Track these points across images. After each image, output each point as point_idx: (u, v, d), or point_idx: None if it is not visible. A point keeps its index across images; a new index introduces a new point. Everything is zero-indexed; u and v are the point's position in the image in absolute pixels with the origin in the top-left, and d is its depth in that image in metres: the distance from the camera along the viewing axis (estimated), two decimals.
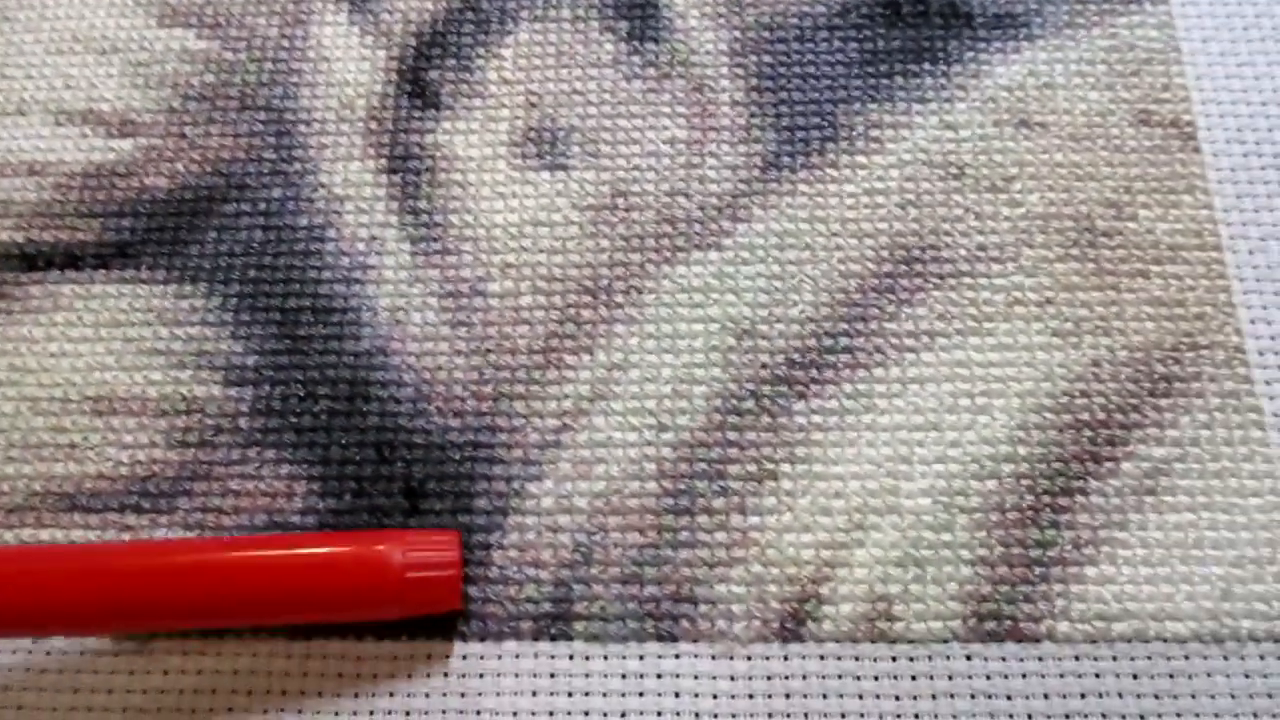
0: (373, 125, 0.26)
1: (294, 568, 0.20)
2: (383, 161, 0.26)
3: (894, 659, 0.21)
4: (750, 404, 0.23)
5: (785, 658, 0.21)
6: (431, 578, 0.20)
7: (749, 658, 0.21)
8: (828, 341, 0.24)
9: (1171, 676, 0.21)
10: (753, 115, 0.26)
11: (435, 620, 0.21)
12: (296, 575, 0.20)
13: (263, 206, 0.26)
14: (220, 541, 0.21)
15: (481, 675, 0.21)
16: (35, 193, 0.26)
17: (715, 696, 0.21)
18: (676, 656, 0.21)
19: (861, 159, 0.26)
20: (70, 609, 0.19)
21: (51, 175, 0.26)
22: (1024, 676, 0.21)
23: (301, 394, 0.24)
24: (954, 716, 0.21)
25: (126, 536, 0.22)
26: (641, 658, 0.21)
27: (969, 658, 0.21)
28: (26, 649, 0.22)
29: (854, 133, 0.26)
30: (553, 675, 0.21)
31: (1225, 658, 0.21)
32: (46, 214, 0.26)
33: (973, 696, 0.21)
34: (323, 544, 0.20)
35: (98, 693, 0.21)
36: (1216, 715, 0.20)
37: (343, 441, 0.23)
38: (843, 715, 0.21)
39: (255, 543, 0.21)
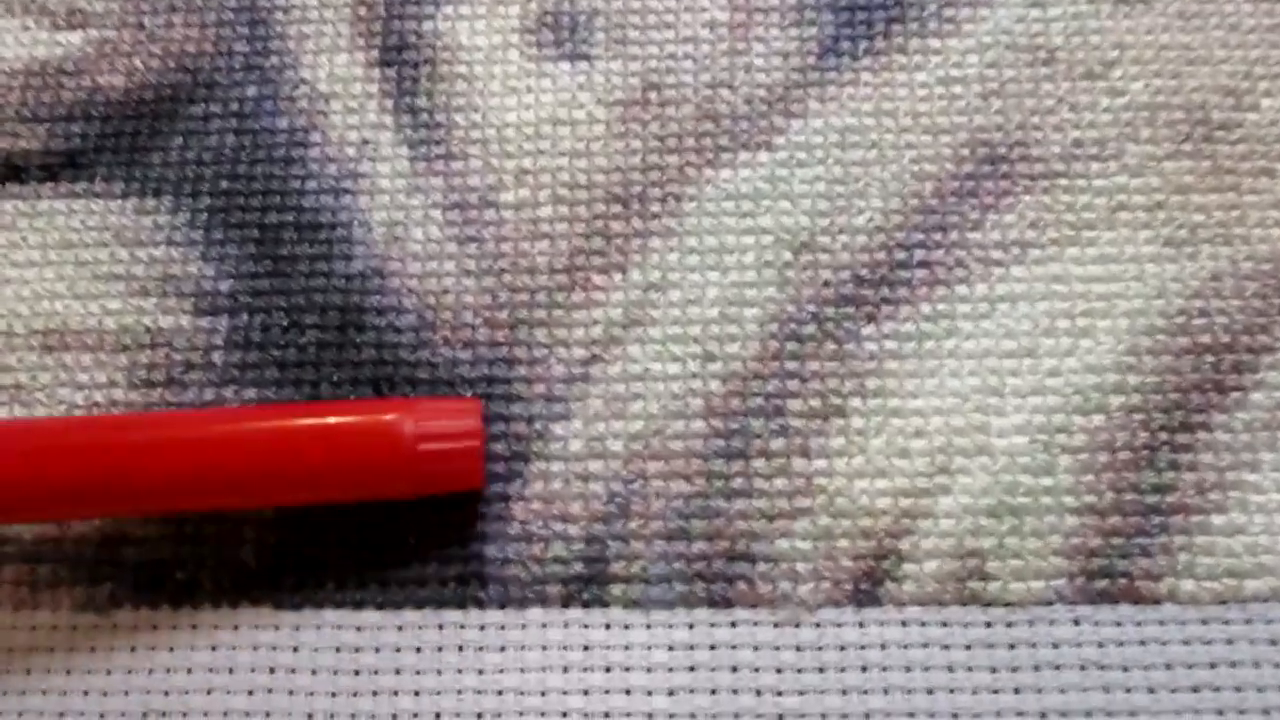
0: (362, 11, 0.23)
1: (289, 440, 0.18)
2: (374, 53, 0.22)
3: (988, 625, 0.18)
4: (811, 328, 0.20)
5: (860, 625, 0.18)
6: (448, 450, 0.18)
7: (817, 625, 0.18)
8: (900, 255, 0.20)
9: None
10: None
11: (449, 586, 0.18)
12: (292, 449, 0.18)
13: (235, 107, 0.22)
14: (205, 415, 0.19)
15: (502, 648, 0.18)
16: None
17: (779, 671, 0.18)
18: (732, 625, 0.18)
19: (935, 43, 0.22)
20: (45, 489, 0.17)
21: None
22: (1141, 644, 0.18)
23: (285, 324, 0.20)
24: (1060, 690, 0.18)
25: None
26: (690, 626, 0.18)
27: (1076, 622, 0.18)
28: None
29: (925, 12, 0.22)
30: (586, 648, 0.18)
31: None
32: None
33: (1082, 668, 0.18)
34: (323, 413, 0.18)
35: (55, 672, 0.18)
36: None
37: (334, 378, 0.20)
38: (929, 691, 0.18)
39: (244, 414, 0.19)
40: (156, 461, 0.17)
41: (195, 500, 0.18)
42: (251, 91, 0.22)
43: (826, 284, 0.20)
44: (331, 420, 0.18)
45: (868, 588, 0.18)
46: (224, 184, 0.21)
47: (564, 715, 0.18)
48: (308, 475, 0.18)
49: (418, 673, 0.18)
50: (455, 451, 0.18)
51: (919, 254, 0.20)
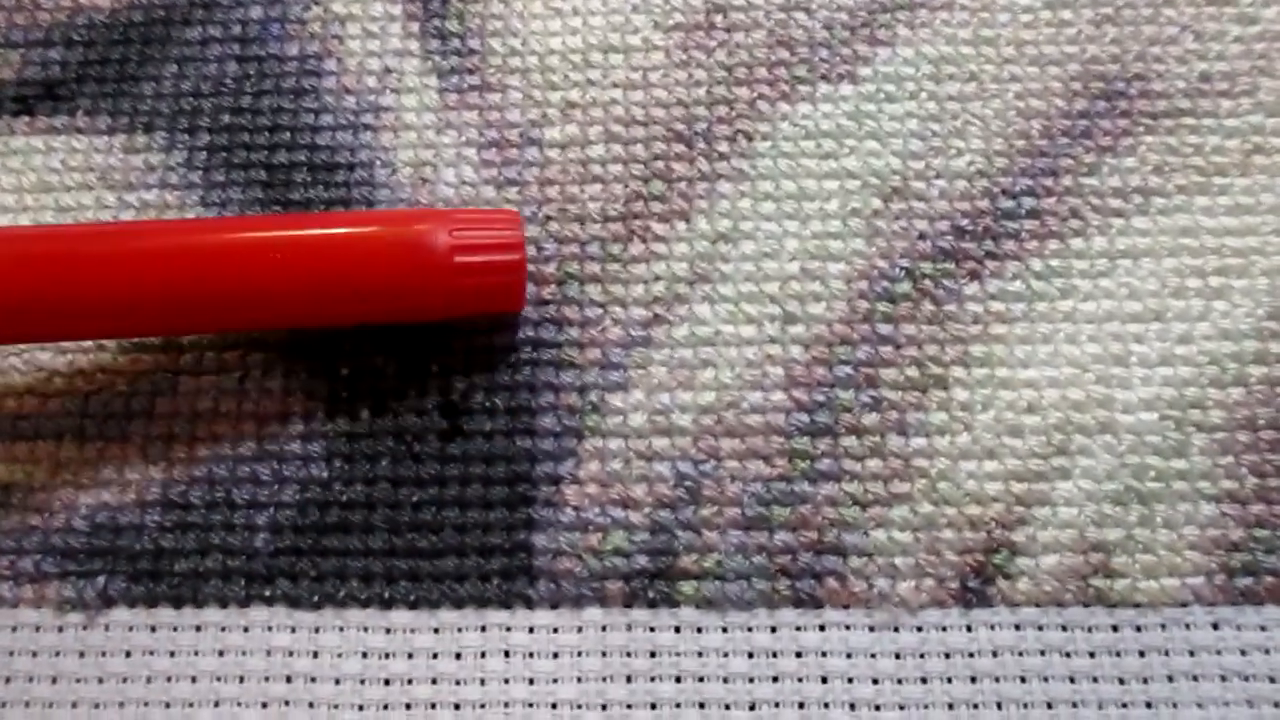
0: None
1: (312, 251, 0.16)
2: None
3: (1114, 628, 0.16)
4: (906, 287, 0.17)
5: (968, 628, 0.16)
6: (487, 263, 0.16)
7: (919, 628, 0.16)
8: (1006, 203, 0.18)
9: None
10: None
11: (492, 582, 0.16)
12: (315, 261, 0.16)
13: (237, 30, 0.20)
14: (214, 223, 0.18)
15: (555, 654, 0.16)
16: None
17: (875, 681, 0.16)
18: (821, 628, 0.16)
19: None
20: (52, 306, 0.16)
21: None
22: None
23: None
24: (1198, 704, 0.15)
25: (68, 472, 0.17)
26: (773, 630, 0.16)
27: (1216, 626, 0.16)
28: None
29: None
30: (653, 654, 0.16)
31: None
32: None
33: (1223, 678, 0.16)
34: (351, 224, 0.17)
35: (38, 681, 0.16)
36: None
37: (355, 341, 0.17)
38: (1048, 705, 0.15)
39: (265, 223, 0.17)
40: (157, 272, 0.16)
41: (201, 317, 0.16)
42: (256, 13, 0.20)
43: (922, 236, 0.18)
44: (356, 230, 0.16)
45: (977, 586, 0.16)
46: (225, 118, 0.19)
47: None
48: (329, 291, 0.16)
49: (457, 682, 0.16)
50: (496, 265, 0.16)
51: (1027, 202, 0.18)
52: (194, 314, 0.16)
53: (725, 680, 0.16)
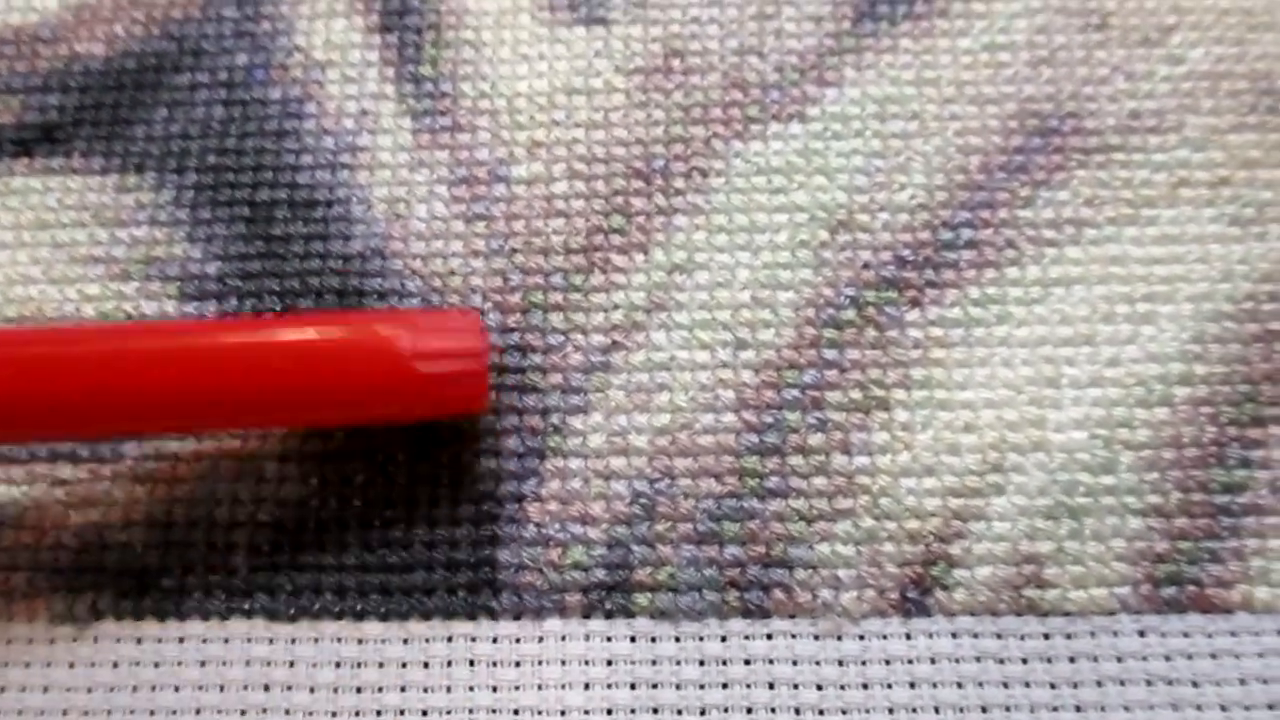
0: None
1: (271, 358, 0.16)
2: (374, 18, 0.21)
3: (1046, 636, 0.16)
4: (851, 314, 0.18)
5: (907, 636, 0.16)
6: (450, 371, 0.16)
7: (861, 637, 0.16)
8: (946, 235, 0.19)
9: None
10: None
11: (458, 594, 0.17)
12: (274, 368, 0.16)
13: (224, 76, 0.20)
14: (180, 326, 0.17)
15: (518, 663, 0.17)
16: None
17: (820, 687, 0.16)
18: (768, 636, 0.16)
19: (979, 6, 0.20)
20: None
21: None
22: (1213, 656, 0.16)
23: (278, 308, 0.19)
24: (1125, 707, 0.16)
25: (59, 492, 0.18)
26: (723, 639, 0.16)
27: (1142, 633, 0.16)
28: None
29: None
30: (609, 662, 0.16)
31: None
32: None
33: (1149, 683, 0.16)
34: (309, 325, 0.16)
35: (31, 690, 0.17)
36: None
37: None
38: (983, 709, 0.16)
39: (223, 327, 0.17)
40: (120, 378, 0.16)
41: (167, 421, 0.16)
42: (241, 59, 0.20)
43: (866, 266, 0.18)
44: (319, 336, 0.16)
45: (915, 596, 0.17)
46: (212, 159, 0.20)
47: None
48: (291, 397, 0.16)
49: (425, 689, 0.16)
50: (459, 374, 0.16)
51: (966, 233, 0.19)
52: (149, 419, 0.16)
53: (678, 687, 0.16)
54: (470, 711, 0.16)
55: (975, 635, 0.16)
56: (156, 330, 0.17)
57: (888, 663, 0.16)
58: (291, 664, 0.17)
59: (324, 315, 0.18)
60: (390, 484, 0.17)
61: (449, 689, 0.16)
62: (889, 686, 0.16)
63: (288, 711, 0.16)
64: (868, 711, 0.16)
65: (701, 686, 0.16)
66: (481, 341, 0.16)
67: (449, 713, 0.16)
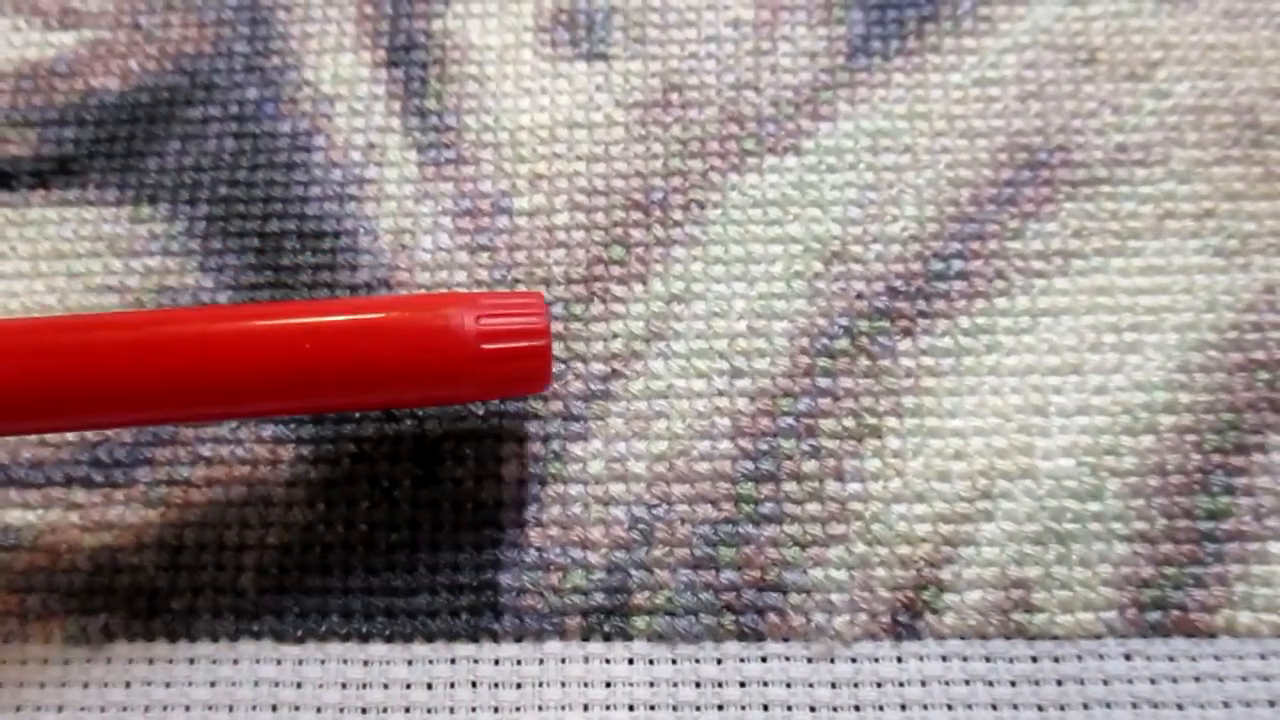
0: (368, 9, 0.22)
1: (333, 338, 0.16)
2: (381, 53, 0.21)
3: (1034, 659, 0.17)
4: (844, 343, 0.19)
5: (899, 659, 0.17)
6: (516, 349, 0.16)
7: (854, 660, 0.17)
8: (937, 265, 0.19)
9: None
10: None
11: (461, 617, 0.17)
12: (343, 350, 0.16)
13: (235, 110, 0.21)
14: (237, 310, 0.18)
15: (519, 684, 0.17)
16: None
17: (813, 709, 0.17)
18: (763, 659, 0.17)
19: (970, 42, 0.21)
20: (51, 395, 0.16)
21: None
22: (1197, 679, 0.17)
23: None
24: None
25: (74, 516, 0.18)
26: (719, 661, 0.17)
27: (1128, 657, 0.17)
28: None
29: (959, 10, 0.21)
30: (608, 684, 0.17)
31: None
32: None
33: (1134, 705, 0.17)
34: (373, 309, 0.16)
35: (45, 710, 0.17)
36: None
37: None
38: None
39: (292, 309, 0.17)
40: (174, 360, 0.16)
41: (227, 404, 0.16)
42: (252, 94, 0.21)
43: (859, 296, 0.19)
44: (381, 317, 0.16)
45: (906, 620, 0.17)
46: (223, 190, 0.20)
47: None
48: (357, 379, 0.16)
49: (429, 710, 0.17)
50: (524, 351, 0.16)
51: (956, 264, 0.19)
52: (222, 401, 0.16)
53: (674, 708, 0.17)
54: None
55: (965, 658, 0.17)
56: (223, 314, 0.17)
57: (879, 685, 0.17)
58: (299, 685, 0.17)
59: (390, 299, 0.17)
60: (394, 508, 0.18)
61: (452, 710, 0.17)
62: (880, 709, 0.17)
63: None
64: None
65: (698, 708, 0.17)
66: (544, 321, 0.16)
67: None
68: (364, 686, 0.17)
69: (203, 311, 0.18)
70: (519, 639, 0.17)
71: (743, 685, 0.17)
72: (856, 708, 0.17)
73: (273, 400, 0.16)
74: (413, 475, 0.18)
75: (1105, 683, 0.17)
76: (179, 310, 0.19)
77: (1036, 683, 0.17)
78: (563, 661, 0.17)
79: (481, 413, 0.18)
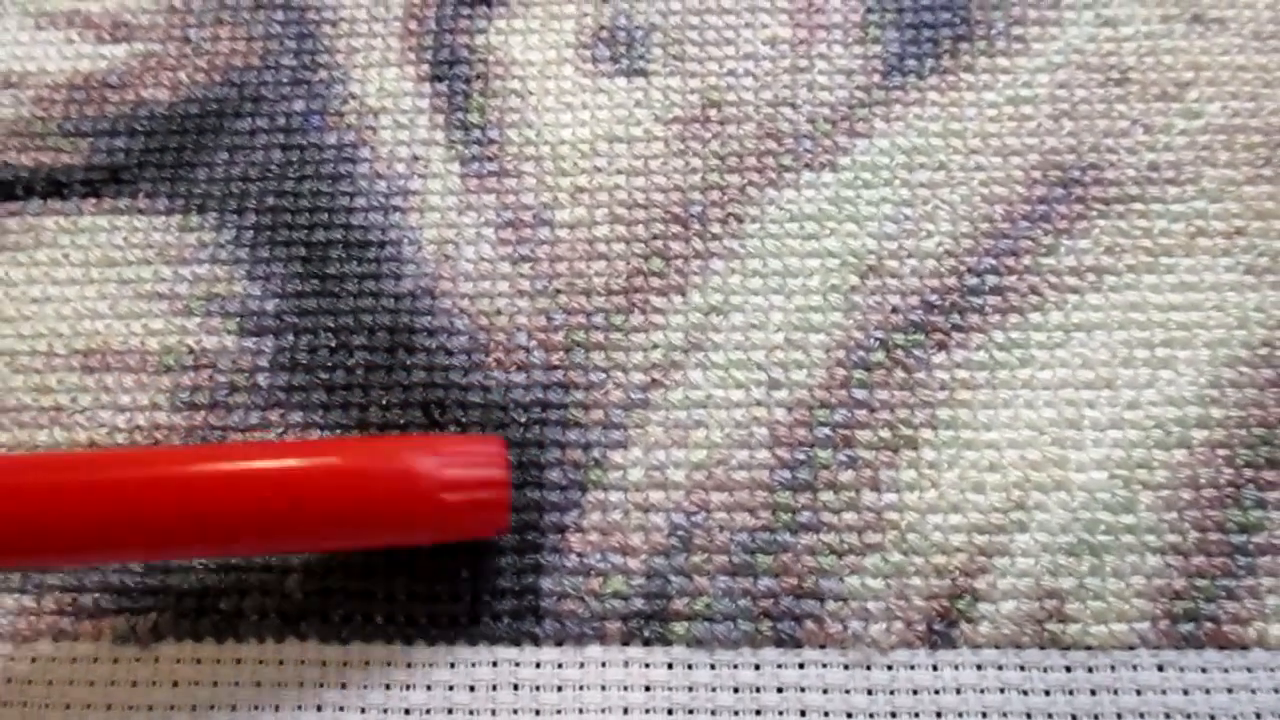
0: (412, 25, 0.22)
1: (294, 486, 0.16)
2: (425, 67, 0.22)
3: (1068, 669, 0.17)
4: (880, 356, 0.19)
5: (934, 667, 0.17)
6: (474, 500, 0.16)
7: (889, 667, 0.17)
8: (971, 280, 0.19)
9: None
10: (869, 10, 0.22)
11: (503, 621, 0.18)
12: (299, 497, 0.16)
13: (282, 122, 0.21)
14: (200, 451, 0.17)
15: (559, 688, 0.17)
16: (12, 108, 0.22)
17: (849, 715, 0.17)
18: (800, 666, 0.17)
19: (1003, 61, 0.21)
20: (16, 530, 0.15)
21: (31, 88, 0.22)
22: (1229, 691, 0.17)
23: (332, 344, 0.19)
24: None
25: None
26: (757, 667, 0.17)
27: (1161, 668, 0.17)
28: (8, 656, 0.18)
29: (993, 30, 0.21)
30: (647, 688, 0.17)
31: None
32: (25, 133, 0.22)
33: (1167, 716, 0.17)
34: (334, 453, 0.16)
35: (94, 709, 0.17)
36: None
37: (383, 401, 0.19)
38: None
39: (254, 451, 0.17)
40: (135, 505, 0.16)
41: (183, 548, 0.16)
42: (299, 106, 0.22)
43: (895, 310, 0.19)
44: (342, 463, 0.16)
45: (942, 629, 0.17)
46: (270, 200, 0.21)
47: None
48: (310, 525, 0.16)
49: (471, 712, 0.17)
50: (483, 502, 0.17)
51: (991, 279, 0.19)
52: (175, 545, 0.16)
53: (713, 713, 0.17)
54: None
55: (999, 667, 0.17)
56: (185, 455, 0.17)
57: (915, 693, 0.17)
58: (343, 686, 0.17)
59: (352, 442, 0.18)
60: None
61: (493, 712, 0.17)
62: (916, 716, 0.17)
63: None
64: None
65: (736, 713, 0.17)
66: (504, 472, 0.17)
67: None
68: (407, 688, 0.17)
69: (168, 452, 0.18)
70: (560, 643, 0.17)
71: (780, 691, 0.17)
72: (893, 715, 0.17)
73: (229, 544, 0.16)
74: None
75: (1138, 693, 0.17)
76: (145, 451, 0.18)
77: (1070, 692, 0.17)
78: (603, 665, 0.17)
79: (524, 420, 0.19)
